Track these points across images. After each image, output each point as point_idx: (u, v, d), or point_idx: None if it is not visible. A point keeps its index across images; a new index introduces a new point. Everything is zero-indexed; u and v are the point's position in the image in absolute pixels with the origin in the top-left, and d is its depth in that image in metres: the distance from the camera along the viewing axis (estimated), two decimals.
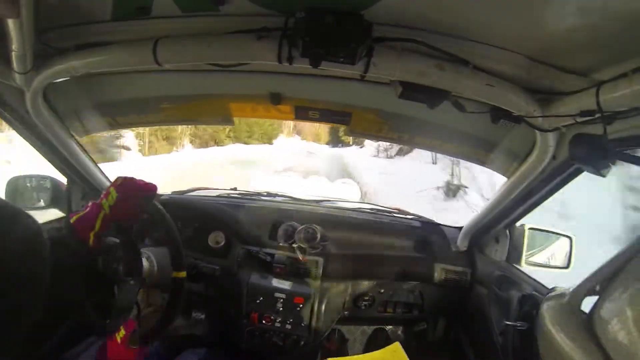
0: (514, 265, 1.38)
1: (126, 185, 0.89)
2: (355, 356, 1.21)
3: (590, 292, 0.48)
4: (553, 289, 1.02)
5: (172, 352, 1.22)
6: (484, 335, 1.33)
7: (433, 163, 10.41)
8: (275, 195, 1.94)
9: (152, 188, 0.93)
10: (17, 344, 0.51)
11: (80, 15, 0.86)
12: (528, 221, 1.36)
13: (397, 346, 1.20)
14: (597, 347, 0.41)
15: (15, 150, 6.99)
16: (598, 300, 0.46)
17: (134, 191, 0.90)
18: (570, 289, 0.52)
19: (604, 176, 0.74)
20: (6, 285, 0.47)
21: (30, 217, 0.54)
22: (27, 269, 0.51)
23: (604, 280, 0.47)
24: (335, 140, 25.03)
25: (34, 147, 1.26)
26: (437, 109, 0.93)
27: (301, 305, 1.41)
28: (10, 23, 0.75)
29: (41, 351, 0.83)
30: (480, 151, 1.24)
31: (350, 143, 21.09)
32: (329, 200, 1.95)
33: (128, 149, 12.94)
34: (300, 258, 1.48)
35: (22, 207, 0.56)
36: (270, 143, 21.33)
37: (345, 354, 1.76)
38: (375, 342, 1.89)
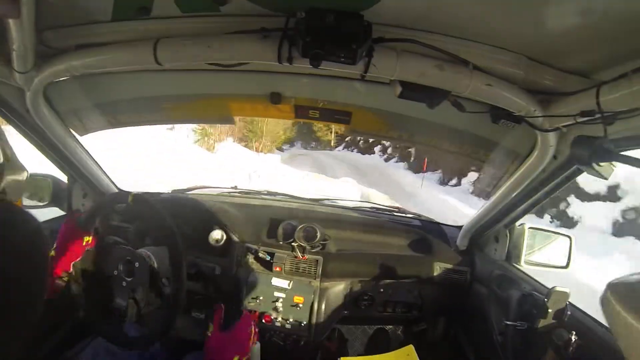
0: (514, 264, 1.38)
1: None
2: (370, 356, 1.22)
3: None
4: (554, 289, 1.03)
5: (174, 356, 1.22)
6: (484, 334, 1.33)
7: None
8: (275, 193, 1.95)
9: None
10: (19, 341, 0.51)
11: (81, 15, 0.86)
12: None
13: (410, 349, 1.21)
14: None
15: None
16: None
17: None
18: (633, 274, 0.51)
19: (605, 178, 0.75)
20: (7, 284, 0.48)
21: (31, 215, 0.54)
22: (29, 268, 0.51)
23: None
24: None
25: (35, 146, 1.26)
26: (437, 108, 0.94)
27: (301, 305, 1.41)
28: (11, 23, 0.75)
29: (42, 349, 0.83)
30: (480, 151, 1.24)
31: None
32: (329, 199, 1.95)
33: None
34: (300, 257, 1.49)
35: (22, 206, 0.56)
36: None
37: (346, 354, 1.77)
38: (375, 342, 1.89)
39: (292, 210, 1.69)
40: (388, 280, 1.56)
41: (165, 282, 1.05)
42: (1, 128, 0.64)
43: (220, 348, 0.94)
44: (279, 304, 1.42)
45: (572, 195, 6.34)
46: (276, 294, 1.43)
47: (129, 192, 1.05)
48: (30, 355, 0.79)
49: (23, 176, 0.69)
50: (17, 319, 0.50)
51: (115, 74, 1.11)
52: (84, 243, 0.98)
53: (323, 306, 1.45)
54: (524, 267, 1.35)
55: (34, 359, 0.79)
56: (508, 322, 1.14)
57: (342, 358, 1.16)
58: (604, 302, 0.46)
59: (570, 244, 1.37)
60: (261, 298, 1.43)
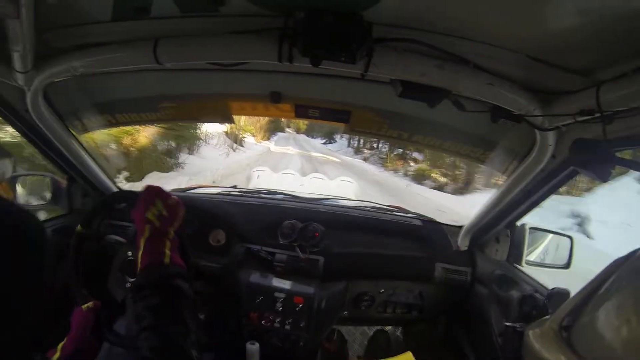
0: (515, 265, 1.38)
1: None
2: None
3: (567, 318, 0.52)
4: (554, 290, 1.03)
5: None
6: (484, 335, 1.33)
7: None
8: (276, 193, 1.94)
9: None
10: (20, 338, 0.51)
11: (81, 15, 0.86)
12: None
13: (409, 356, 1.21)
14: (577, 357, 0.45)
15: None
16: (574, 325, 0.50)
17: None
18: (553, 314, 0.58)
19: (605, 181, 0.74)
20: (7, 284, 0.48)
21: (32, 214, 0.54)
22: (31, 267, 0.52)
23: (577, 307, 0.51)
24: None
25: (34, 146, 1.27)
26: (437, 107, 0.93)
27: (301, 305, 1.41)
28: (11, 23, 0.75)
29: (42, 348, 0.83)
30: (480, 150, 1.24)
31: None
32: (330, 199, 1.95)
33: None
34: (301, 257, 1.48)
35: (23, 205, 0.56)
36: None
37: (345, 355, 1.76)
38: (375, 343, 1.89)
39: (292, 209, 1.69)
40: (388, 281, 1.56)
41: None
42: None
43: None
44: (278, 305, 1.41)
45: None
46: (276, 294, 1.43)
47: (131, 192, 1.04)
48: (30, 354, 0.79)
49: None
50: (17, 317, 0.50)
51: (115, 73, 1.11)
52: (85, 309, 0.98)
53: (323, 307, 1.45)
54: (524, 267, 1.35)
55: (34, 357, 0.79)
56: (508, 323, 1.14)
57: None
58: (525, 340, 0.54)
59: (572, 244, 1.37)
60: (261, 298, 1.43)
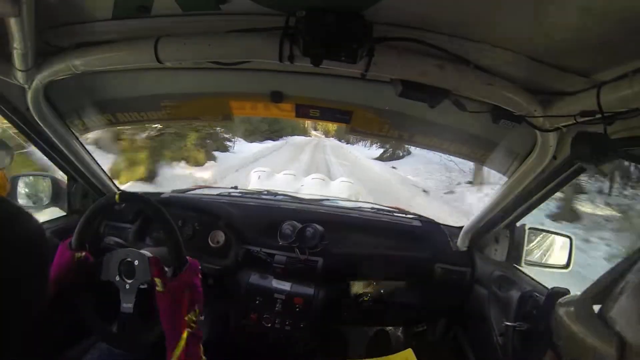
0: (514, 265, 1.38)
1: None
2: None
3: (597, 297, 0.53)
4: (554, 289, 1.03)
5: None
6: (484, 335, 1.33)
7: None
8: (276, 194, 1.94)
9: None
10: (19, 339, 0.51)
11: (81, 13, 0.86)
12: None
13: (409, 353, 1.21)
14: (610, 331, 0.46)
15: None
16: (606, 301, 0.51)
17: None
18: (579, 294, 0.59)
19: (605, 175, 0.75)
20: (8, 285, 0.48)
21: (31, 216, 0.54)
22: (30, 268, 0.51)
23: (609, 285, 0.52)
24: None
25: (35, 145, 1.26)
26: (438, 108, 0.94)
27: (301, 306, 1.41)
28: (12, 21, 0.75)
29: (42, 347, 0.83)
30: (480, 151, 1.24)
31: None
32: (329, 200, 1.95)
33: None
34: (300, 258, 1.48)
35: (22, 206, 0.56)
36: None
37: (345, 355, 1.76)
38: (375, 343, 1.89)
39: (292, 210, 1.69)
40: (388, 281, 1.56)
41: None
42: None
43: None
44: (278, 306, 1.41)
45: None
46: (276, 295, 1.43)
47: (113, 197, 1.01)
48: (30, 354, 0.78)
49: None
50: (17, 318, 0.50)
51: (115, 72, 1.11)
52: (75, 259, 0.94)
53: (322, 307, 1.45)
54: (524, 267, 1.35)
55: (34, 358, 0.79)
56: (508, 324, 1.14)
57: None
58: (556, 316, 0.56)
59: (571, 243, 1.37)
60: (261, 299, 1.43)
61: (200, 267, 0.96)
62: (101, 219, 1.61)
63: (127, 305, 0.93)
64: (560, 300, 0.62)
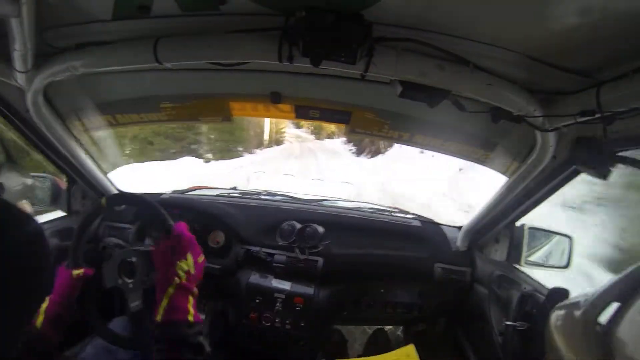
0: (514, 265, 1.38)
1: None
2: (370, 357, 1.21)
3: (607, 305, 0.48)
4: (554, 289, 1.02)
5: None
6: (484, 335, 1.33)
7: None
8: (275, 194, 1.94)
9: None
10: (19, 339, 0.51)
11: (81, 14, 0.86)
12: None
13: (411, 349, 1.20)
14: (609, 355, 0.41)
15: None
16: (617, 314, 0.46)
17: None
18: (586, 300, 0.52)
19: (605, 179, 0.75)
20: (7, 285, 0.47)
21: (31, 217, 0.54)
22: (30, 269, 0.51)
23: (624, 293, 0.46)
24: None
25: (35, 146, 1.26)
26: (438, 108, 0.94)
27: (301, 306, 1.41)
28: (12, 22, 0.75)
29: (41, 347, 0.83)
30: (480, 151, 1.24)
31: None
32: (329, 200, 1.95)
33: None
34: (300, 258, 1.48)
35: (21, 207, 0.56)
36: None
37: (345, 354, 1.76)
38: (375, 343, 1.89)
39: (292, 211, 1.69)
40: (388, 281, 1.56)
41: None
42: None
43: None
44: (278, 305, 1.41)
45: None
46: (276, 294, 1.43)
47: (99, 204, 0.99)
48: (30, 354, 0.78)
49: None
50: (17, 318, 0.50)
51: (115, 73, 1.11)
52: (74, 277, 0.94)
53: (323, 307, 1.45)
54: (524, 267, 1.35)
55: (34, 358, 0.79)
56: (508, 323, 1.14)
57: None
58: (548, 327, 0.53)
59: (571, 243, 1.37)
60: (261, 299, 1.43)
61: (187, 225, 0.96)
62: (98, 223, 1.60)
63: (135, 304, 0.93)
64: (557, 305, 0.57)
